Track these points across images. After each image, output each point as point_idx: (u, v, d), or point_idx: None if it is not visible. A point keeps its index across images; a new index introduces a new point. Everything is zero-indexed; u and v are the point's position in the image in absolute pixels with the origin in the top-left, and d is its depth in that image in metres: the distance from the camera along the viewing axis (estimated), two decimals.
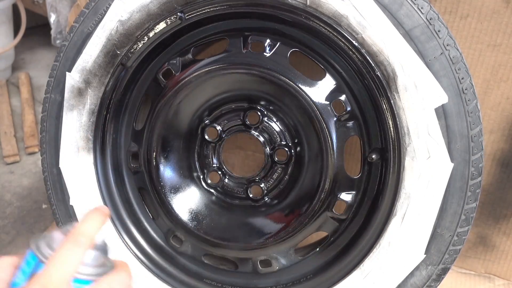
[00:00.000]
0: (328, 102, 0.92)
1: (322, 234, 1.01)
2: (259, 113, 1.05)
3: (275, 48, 0.94)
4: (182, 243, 1.09)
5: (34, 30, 2.86)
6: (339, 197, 0.94)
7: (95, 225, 0.65)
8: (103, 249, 0.67)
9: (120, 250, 1.07)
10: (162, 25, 0.97)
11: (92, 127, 1.06)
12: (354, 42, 0.84)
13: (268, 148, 1.07)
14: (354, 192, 0.95)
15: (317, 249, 1.01)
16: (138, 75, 1.05)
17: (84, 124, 1.05)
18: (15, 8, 2.58)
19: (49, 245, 0.61)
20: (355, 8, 0.82)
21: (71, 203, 1.08)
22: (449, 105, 0.81)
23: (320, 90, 0.92)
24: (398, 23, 0.81)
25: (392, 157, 0.87)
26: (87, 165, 1.07)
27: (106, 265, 0.67)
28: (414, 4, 0.80)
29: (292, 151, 1.05)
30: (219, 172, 1.11)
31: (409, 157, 0.85)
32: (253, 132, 1.07)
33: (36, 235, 0.65)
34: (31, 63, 2.84)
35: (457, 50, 0.81)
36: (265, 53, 0.94)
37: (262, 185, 1.08)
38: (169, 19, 0.96)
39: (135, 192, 1.12)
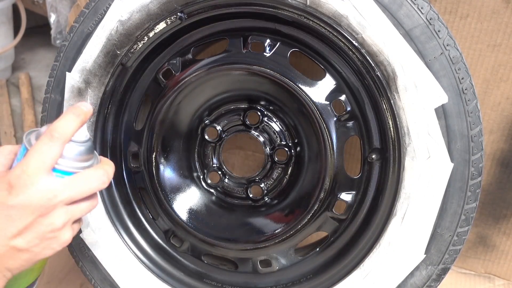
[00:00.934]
0: (328, 102, 0.92)
1: (322, 234, 1.01)
2: (259, 113, 1.05)
3: (275, 48, 0.94)
4: (182, 243, 1.09)
5: (34, 30, 2.85)
6: (339, 197, 0.94)
7: (71, 122, 0.70)
8: (87, 145, 0.72)
9: (120, 250, 1.07)
10: (162, 25, 0.97)
11: (92, 127, 1.06)
12: (354, 42, 0.84)
13: (268, 148, 1.07)
14: (354, 192, 0.95)
15: (317, 249, 1.01)
16: (138, 75, 1.05)
17: None
18: (15, 8, 2.58)
19: (37, 137, 0.71)
20: (355, 8, 0.82)
21: None
22: (449, 105, 0.81)
23: (320, 90, 0.92)
24: (398, 23, 0.81)
25: (392, 157, 0.87)
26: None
27: (91, 161, 0.74)
28: (414, 4, 0.80)
29: (292, 151, 1.05)
30: (219, 172, 1.11)
31: (409, 157, 0.85)
32: (253, 132, 1.07)
33: (30, 129, 0.74)
34: (31, 63, 2.84)
35: (457, 50, 0.81)
36: (265, 53, 0.94)
37: (262, 185, 1.08)
38: (169, 19, 0.96)
39: (135, 192, 1.12)
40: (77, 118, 0.71)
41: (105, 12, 0.98)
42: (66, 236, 0.74)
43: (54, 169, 0.69)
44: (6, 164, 0.74)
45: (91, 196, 0.75)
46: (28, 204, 0.67)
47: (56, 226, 0.71)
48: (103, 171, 0.74)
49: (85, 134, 0.72)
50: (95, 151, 0.76)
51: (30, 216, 0.68)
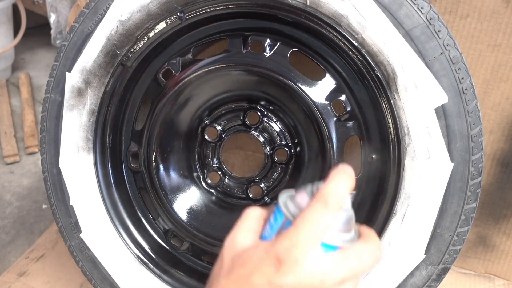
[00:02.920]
0: (328, 102, 0.92)
1: None
2: (259, 113, 1.05)
3: (275, 48, 0.94)
4: (182, 243, 1.09)
5: (34, 30, 2.86)
6: None
7: (344, 186, 0.58)
8: (349, 214, 0.60)
9: (120, 250, 1.07)
10: (162, 25, 0.97)
11: (92, 127, 1.06)
12: (354, 42, 0.84)
13: (268, 148, 1.07)
14: (354, 192, 0.95)
15: None
16: (138, 75, 1.05)
17: (84, 124, 1.05)
18: (15, 8, 2.58)
19: (296, 204, 0.59)
20: (355, 8, 0.82)
21: (71, 203, 1.08)
22: (449, 105, 0.81)
23: (320, 90, 0.92)
24: (398, 23, 0.81)
25: (392, 157, 0.87)
26: (87, 165, 1.07)
27: (352, 231, 0.61)
28: (414, 4, 0.80)
29: (292, 151, 1.05)
30: (219, 172, 1.11)
31: (409, 157, 0.85)
32: (253, 132, 1.07)
33: (284, 191, 0.62)
34: (31, 63, 2.84)
35: (457, 50, 0.81)
36: (265, 53, 0.94)
37: (262, 185, 1.08)
38: (169, 19, 0.96)
39: (135, 192, 1.12)
40: (348, 180, 0.59)
41: (105, 12, 0.98)
42: None
43: (321, 243, 0.57)
44: (256, 231, 0.63)
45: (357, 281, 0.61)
46: (299, 286, 0.56)
47: None
48: (376, 245, 0.60)
49: (348, 201, 0.61)
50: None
51: None
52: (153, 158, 1.05)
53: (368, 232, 0.62)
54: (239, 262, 0.60)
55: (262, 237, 0.61)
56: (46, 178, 1.11)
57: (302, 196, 0.59)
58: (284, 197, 0.60)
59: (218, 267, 0.63)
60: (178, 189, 1.07)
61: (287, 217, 0.58)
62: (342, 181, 0.58)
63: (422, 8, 0.80)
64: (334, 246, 0.57)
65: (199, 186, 1.10)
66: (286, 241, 0.56)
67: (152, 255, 1.09)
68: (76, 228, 1.09)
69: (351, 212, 0.60)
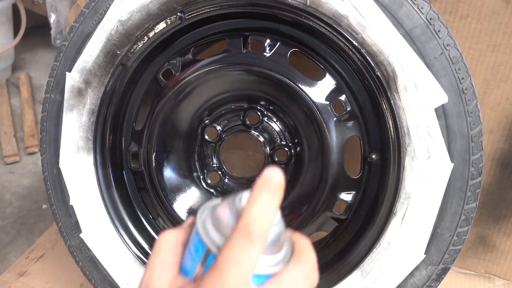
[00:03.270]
0: (328, 102, 0.92)
1: (322, 234, 1.01)
2: (259, 113, 1.05)
3: (275, 48, 0.94)
4: None
5: (34, 30, 2.86)
6: (339, 197, 0.94)
7: (270, 208, 0.46)
8: (280, 226, 0.50)
9: (120, 250, 1.07)
10: (162, 25, 0.97)
11: (92, 127, 1.06)
12: (354, 42, 0.84)
13: (268, 148, 1.07)
14: (354, 192, 0.95)
15: (317, 249, 1.01)
16: (138, 75, 1.05)
17: (84, 124, 1.05)
18: (15, 8, 2.58)
19: (217, 228, 0.48)
20: (355, 8, 0.82)
21: (71, 203, 1.08)
22: (449, 105, 0.81)
23: (320, 90, 0.92)
24: (398, 23, 0.81)
25: (392, 157, 0.87)
26: (87, 165, 1.07)
27: (284, 249, 0.52)
28: (414, 4, 0.80)
29: (292, 151, 1.05)
30: (219, 172, 1.11)
31: (409, 157, 0.85)
32: (253, 132, 1.07)
33: (203, 205, 0.51)
34: (31, 63, 2.84)
35: (457, 50, 0.81)
36: (265, 53, 0.94)
37: None
38: (169, 19, 0.96)
39: (135, 192, 1.12)
40: (273, 197, 0.47)
41: (105, 12, 0.98)
42: None
43: (253, 277, 0.48)
44: (176, 263, 0.52)
45: None
46: None
47: None
48: (310, 265, 0.52)
49: (278, 211, 0.49)
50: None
51: None
52: (153, 158, 1.05)
53: (302, 247, 0.53)
54: None
55: (182, 270, 0.51)
56: (46, 178, 1.11)
57: (224, 216, 0.48)
58: (203, 217, 0.50)
59: None
60: (178, 189, 1.07)
61: (209, 249, 0.48)
62: (267, 202, 0.46)
63: (422, 8, 0.80)
64: (266, 275, 0.49)
65: (199, 186, 1.10)
66: (210, 281, 0.46)
67: None
68: (76, 228, 1.09)
69: (280, 227, 0.50)
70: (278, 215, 0.49)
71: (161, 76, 1.02)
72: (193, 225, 0.50)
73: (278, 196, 0.47)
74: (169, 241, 0.52)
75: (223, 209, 0.48)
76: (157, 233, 1.11)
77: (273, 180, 0.47)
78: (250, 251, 0.45)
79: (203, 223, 0.49)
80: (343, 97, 0.92)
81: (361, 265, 0.91)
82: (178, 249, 0.52)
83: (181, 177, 1.09)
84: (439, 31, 0.80)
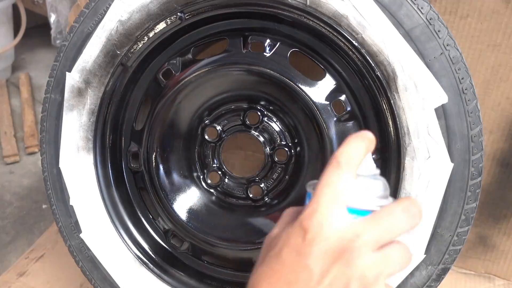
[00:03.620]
0: (328, 102, 0.92)
1: None
2: (259, 113, 1.05)
3: (275, 48, 0.94)
4: (182, 243, 1.09)
5: (34, 30, 2.86)
6: None
7: (356, 147, 0.56)
8: (382, 181, 0.58)
9: (120, 250, 1.07)
10: (162, 25, 0.97)
11: (92, 127, 1.06)
12: (354, 42, 0.84)
13: (268, 148, 1.07)
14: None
15: None
16: (138, 75, 1.05)
17: (84, 124, 1.05)
18: (15, 8, 2.58)
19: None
20: (355, 8, 0.82)
21: (71, 203, 1.08)
22: (449, 105, 0.81)
23: (320, 90, 0.92)
24: (398, 23, 0.81)
25: (392, 157, 0.87)
26: (87, 165, 1.07)
27: (388, 199, 0.57)
28: (414, 4, 0.80)
29: (292, 151, 1.05)
30: (219, 172, 1.11)
31: (409, 157, 0.85)
32: (253, 132, 1.07)
33: (312, 181, 0.61)
34: (31, 63, 2.84)
35: (457, 50, 0.81)
36: (265, 53, 0.94)
37: (262, 185, 1.08)
38: (169, 19, 0.96)
39: (135, 192, 1.12)
40: (362, 142, 0.57)
41: (105, 12, 0.98)
42: None
43: (348, 209, 0.55)
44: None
45: (404, 248, 0.57)
46: (328, 249, 0.53)
47: (367, 279, 0.52)
48: (411, 203, 0.56)
49: (374, 166, 0.58)
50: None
51: (332, 265, 0.52)
52: (153, 158, 1.05)
53: (406, 197, 0.59)
54: (271, 246, 0.58)
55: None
56: (46, 178, 1.11)
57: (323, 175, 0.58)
58: (312, 183, 0.60)
59: (258, 260, 0.60)
60: (178, 189, 1.07)
61: (312, 192, 0.57)
62: (355, 142, 0.57)
63: (422, 8, 0.80)
64: (364, 211, 0.54)
65: (199, 186, 1.10)
66: (307, 209, 0.55)
67: (152, 255, 1.09)
68: (76, 228, 1.09)
69: (382, 180, 0.58)
70: (377, 172, 0.58)
71: (161, 76, 1.03)
72: None
73: (366, 143, 0.57)
74: (289, 210, 0.63)
75: None
76: (157, 233, 1.12)
77: (364, 133, 0.58)
78: (339, 175, 0.54)
79: (312, 185, 0.59)
80: (343, 97, 0.92)
81: None
82: (296, 215, 0.60)
83: (181, 177, 1.09)
84: (439, 31, 0.80)
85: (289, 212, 0.62)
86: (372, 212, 0.54)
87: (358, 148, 0.56)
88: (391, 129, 0.86)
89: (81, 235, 1.08)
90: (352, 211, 0.54)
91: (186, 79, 0.98)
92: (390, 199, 0.58)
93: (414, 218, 0.56)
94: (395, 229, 0.54)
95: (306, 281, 0.53)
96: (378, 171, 0.58)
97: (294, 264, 0.54)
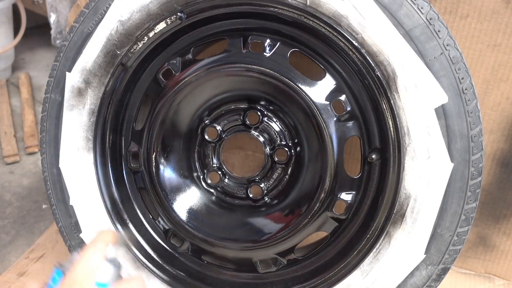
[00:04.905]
0: (328, 102, 0.92)
1: (322, 234, 1.01)
2: (259, 113, 1.05)
3: (275, 48, 0.94)
4: (182, 243, 1.09)
5: (34, 30, 2.86)
6: (339, 197, 0.94)
7: (106, 237, 0.78)
8: (117, 265, 0.77)
9: (120, 250, 1.07)
10: (162, 25, 0.97)
11: (92, 127, 1.06)
12: (354, 42, 0.84)
13: (268, 148, 1.07)
14: (354, 192, 0.95)
15: (317, 249, 1.01)
16: (138, 75, 1.05)
17: (84, 124, 1.05)
18: (15, 8, 2.58)
19: (70, 261, 0.75)
20: (355, 8, 0.82)
21: (71, 203, 1.08)
22: (449, 105, 0.81)
23: (320, 90, 0.92)
24: (398, 23, 0.81)
25: (392, 157, 0.87)
26: (87, 165, 1.07)
27: (119, 276, 0.78)
28: (414, 4, 0.80)
29: (292, 151, 1.05)
30: (219, 172, 1.11)
31: (409, 157, 0.85)
32: (253, 132, 1.07)
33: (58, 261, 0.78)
34: (31, 63, 2.84)
35: (457, 50, 0.81)
36: (265, 53, 0.94)
37: (262, 185, 1.08)
38: (169, 19, 0.96)
39: (135, 192, 1.12)
40: (110, 235, 0.79)
41: (105, 12, 0.98)
42: None
43: (96, 283, 0.73)
44: None
45: None
46: None
47: None
48: (141, 280, 0.79)
49: (114, 252, 0.79)
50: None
51: None
52: (153, 158, 1.05)
53: (135, 276, 0.83)
54: None
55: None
56: (46, 178, 1.11)
57: (74, 257, 0.75)
58: (59, 261, 0.76)
59: None
60: (178, 189, 1.07)
61: (64, 272, 0.73)
62: (103, 234, 0.78)
63: (422, 8, 0.80)
64: (107, 283, 0.74)
65: (199, 186, 1.10)
66: (67, 279, 0.71)
67: (152, 255, 1.09)
68: (76, 228, 1.09)
69: (118, 264, 0.77)
70: (115, 255, 0.78)
71: (161, 76, 1.02)
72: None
73: (110, 237, 0.78)
74: (31, 285, 0.76)
75: (75, 254, 0.76)
76: (157, 233, 1.11)
77: (105, 232, 0.80)
78: (95, 253, 0.74)
79: (59, 263, 0.75)
80: (343, 97, 0.92)
81: (361, 265, 0.91)
82: None
83: (181, 177, 1.09)
84: (439, 31, 0.80)
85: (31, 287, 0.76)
86: (113, 284, 0.74)
87: (108, 237, 0.78)
88: (391, 129, 0.86)
89: (81, 235, 1.08)
90: (98, 284, 0.73)
91: (186, 79, 0.98)
92: (120, 275, 0.78)
93: None
94: None
95: None
96: (116, 255, 0.78)
97: None
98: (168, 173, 1.07)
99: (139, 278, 0.81)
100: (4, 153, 2.22)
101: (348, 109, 0.92)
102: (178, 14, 0.95)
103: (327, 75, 0.93)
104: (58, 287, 0.73)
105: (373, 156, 0.91)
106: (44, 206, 1.99)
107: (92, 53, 1.01)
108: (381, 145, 0.91)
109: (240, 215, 1.07)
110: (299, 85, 0.91)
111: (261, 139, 1.07)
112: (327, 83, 0.92)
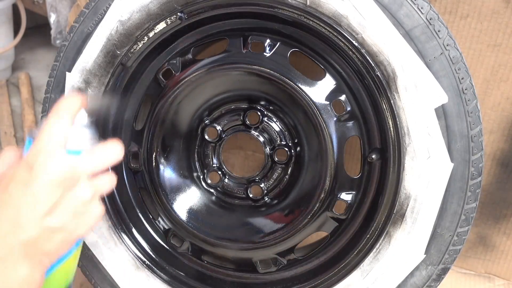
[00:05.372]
0: (328, 102, 0.92)
1: (322, 234, 1.01)
2: (259, 113, 1.05)
3: (275, 48, 0.94)
4: (182, 243, 1.09)
5: (34, 30, 2.85)
6: (339, 197, 0.94)
7: (71, 102, 0.72)
8: (92, 129, 0.74)
9: (120, 250, 1.07)
10: (162, 25, 0.97)
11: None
12: (354, 42, 0.84)
13: (268, 148, 1.07)
14: (354, 192, 0.95)
15: (317, 249, 1.01)
16: (138, 75, 1.05)
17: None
18: (15, 8, 2.58)
19: (39, 128, 0.71)
20: (355, 8, 0.82)
21: None
22: (449, 105, 0.81)
23: (320, 90, 0.92)
24: (398, 23, 0.81)
25: (392, 157, 0.87)
26: None
27: (96, 142, 0.74)
28: (414, 4, 0.80)
29: (292, 151, 1.05)
30: (219, 172, 1.11)
31: (409, 157, 0.85)
32: (253, 132, 1.07)
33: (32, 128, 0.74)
34: (31, 63, 2.84)
35: (457, 50, 0.81)
36: (265, 53, 0.94)
37: (262, 185, 1.08)
38: (169, 19, 0.96)
39: (135, 192, 1.12)
40: (75, 98, 0.72)
41: (105, 12, 0.98)
42: (98, 209, 0.72)
43: (67, 150, 0.70)
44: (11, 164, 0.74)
45: (110, 176, 0.75)
46: (52, 179, 0.66)
47: (85, 198, 0.69)
48: (116, 143, 0.74)
49: (86, 118, 0.74)
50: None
51: (57, 191, 0.66)
52: (153, 158, 1.05)
53: (113, 140, 0.75)
54: None
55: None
56: None
57: (42, 123, 0.71)
58: (32, 130, 0.73)
59: None
60: (178, 189, 1.07)
61: (33, 138, 0.70)
62: (71, 98, 0.72)
63: (422, 8, 0.80)
64: (79, 151, 0.70)
65: (199, 186, 1.10)
66: (32, 149, 0.67)
67: (152, 255, 1.09)
68: None
69: (92, 128, 0.74)
70: (88, 123, 0.75)
71: (161, 76, 1.02)
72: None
73: (79, 98, 0.72)
74: (7, 153, 0.74)
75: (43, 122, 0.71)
76: (157, 233, 1.11)
77: (74, 93, 0.79)
78: (60, 122, 0.69)
79: (31, 131, 0.72)
80: (343, 97, 0.92)
81: (361, 265, 0.91)
82: (16, 158, 0.73)
83: (181, 177, 1.09)
84: (439, 31, 0.80)
85: (7, 155, 0.73)
86: (85, 151, 0.71)
87: (73, 102, 0.72)
88: (391, 129, 0.86)
89: None
90: (70, 151, 0.69)
91: (186, 79, 0.98)
92: (98, 140, 0.75)
93: (119, 154, 0.74)
94: (105, 161, 0.72)
95: (35, 209, 0.66)
96: (89, 122, 0.75)
97: (21, 194, 0.66)
98: (168, 173, 1.07)
99: (115, 142, 0.75)
100: None
101: (348, 109, 0.92)
102: (178, 14, 0.95)
103: (327, 75, 0.93)
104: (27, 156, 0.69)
105: (373, 156, 0.91)
106: None
107: (92, 53, 1.01)
108: (381, 145, 0.91)
109: (240, 215, 1.07)
110: (299, 85, 0.91)
111: (261, 139, 1.07)
112: (327, 83, 0.92)
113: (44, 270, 0.70)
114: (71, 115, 0.71)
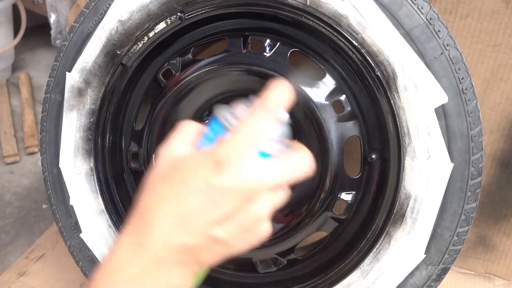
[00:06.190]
0: (328, 102, 0.92)
1: (322, 234, 1.01)
2: None
3: (275, 48, 0.94)
4: None
5: (34, 30, 2.85)
6: (339, 197, 0.94)
7: (283, 95, 0.59)
8: (285, 127, 0.62)
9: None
10: (162, 25, 0.97)
11: (92, 127, 1.06)
12: (354, 42, 0.84)
13: None
14: (354, 192, 0.95)
15: (317, 249, 1.01)
16: (138, 75, 1.05)
17: (84, 124, 1.05)
18: (15, 8, 2.58)
19: (233, 114, 0.59)
20: (355, 8, 0.82)
21: (71, 203, 1.08)
22: (449, 105, 0.81)
23: (320, 90, 0.92)
24: (398, 23, 0.81)
25: (392, 157, 0.87)
26: (87, 165, 1.07)
27: (286, 145, 0.62)
28: (414, 4, 0.80)
29: None
30: None
31: (409, 157, 0.85)
32: None
33: (218, 106, 0.62)
34: (31, 63, 2.84)
35: (457, 50, 0.81)
36: (265, 53, 0.94)
37: None
38: (169, 19, 0.96)
39: (135, 192, 1.12)
40: (287, 89, 0.60)
41: (105, 12, 0.98)
42: (266, 230, 0.61)
43: (259, 152, 0.59)
44: (194, 143, 0.62)
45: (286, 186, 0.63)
46: (236, 187, 0.55)
47: (261, 215, 0.58)
48: (306, 153, 0.61)
49: (286, 113, 0.61)
50: None
51: (236, 200, 0.56)
52: (153, 158, 1.05)
53: (299, 145, 0.63)
54: (176, 167, 0.58)
55: (198, 148, 0.61)
56: (46, 178, 1.11)
57: (240, 108, 0.60)
58: (221, 111, 0.61)
59: (153, 174, 0.60)
60: None
61: (225, 126, 0.59)
62: (282, 90, 0.59)
63: (422, 8, 0.80)
64: (269, 154, 0.59)
65: None
66: (225, 146, 0.56)
67: None
68: (76, 228, 1.09)
69: (287, 127, 0.62)
70: (286, 117, 0.60)
71: (161, 76, 1.03)
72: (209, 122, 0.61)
73: (290, 90, 0.59)
74: (190, 126, 0.62)
75: (239, 105, 0.60)
76: None
77: (284, 81, 0.60)
78: (264, 121, 0.57)
79: (221, 112, 0.60)
80: (343, 97, 0.92)
81: (361, 265, 0.91)
82: (197, 134, 0.61)
83: None
84: (439, 31, 0.80)
85: (189, 128, 0.62)
86: (274, 156, 0.59)
87: (285, 96, 0.59)
88: (391, 129, 0.86)
89: (81, 235, 1.08)
90: (262, 154, 0.58)
91: (186, 79, 0.98)
92: (289, 144, 0.62)
93: (308, 166, 0.62)
94: (294, 174, 0.60)
95: (207, 214, 0.56)
96: (288, 117, 0.61)
97: (199, 192, 0.56)
98: None
99: (306, 152, 0.61)
100: (4, 153, 2.22)
101: (348, 109, 0.92)
102: (178, 14, 0.95)
103: (327, 75, 0.93)
104: (213, 145, 0.58)
105: (373, 156, 0.91)
106: (44, 206, 1.99)
107: (92, 53, 1.01)
108: (381, 145, 0.91)
109: None
110: (299, 85, 0.91)
111: None
112: (327, 83, 0.92)
113: (193, 281, 0.63)
114: (279, 109, 0.59)
